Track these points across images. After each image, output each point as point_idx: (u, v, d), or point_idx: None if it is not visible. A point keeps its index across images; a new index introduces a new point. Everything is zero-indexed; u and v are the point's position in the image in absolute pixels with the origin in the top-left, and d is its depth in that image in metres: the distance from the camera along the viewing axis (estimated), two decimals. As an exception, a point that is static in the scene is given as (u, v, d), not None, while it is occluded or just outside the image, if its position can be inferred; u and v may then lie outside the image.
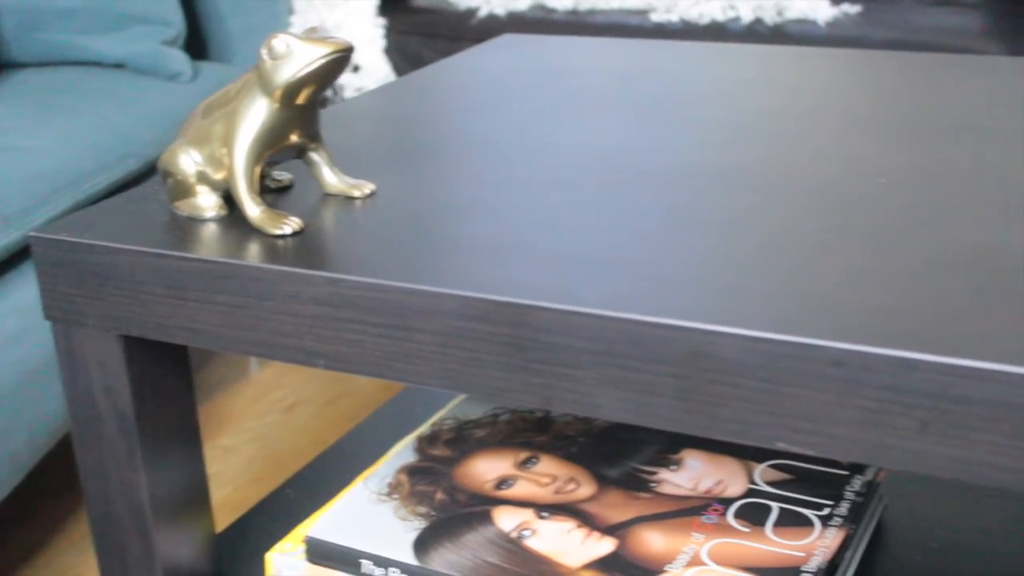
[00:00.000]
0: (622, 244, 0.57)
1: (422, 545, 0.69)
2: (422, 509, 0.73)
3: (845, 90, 0.85)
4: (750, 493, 0.74)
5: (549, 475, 0.76)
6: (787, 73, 0.90)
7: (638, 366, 0.50)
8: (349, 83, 1.84)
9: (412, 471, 0.77)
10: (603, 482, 0.75)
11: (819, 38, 1.64)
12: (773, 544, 0.69)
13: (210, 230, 0.62)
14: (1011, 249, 0.54)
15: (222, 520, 1.32)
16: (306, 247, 0.59)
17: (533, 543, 0.69)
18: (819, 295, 0.51)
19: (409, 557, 0.68)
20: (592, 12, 1.79)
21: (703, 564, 0.67)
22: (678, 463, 0.77)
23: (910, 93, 0.83)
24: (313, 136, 0.64)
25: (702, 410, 0.50)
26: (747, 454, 0.78)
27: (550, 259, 0.56)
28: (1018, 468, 0.45)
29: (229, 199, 0.64)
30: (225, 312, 0.59)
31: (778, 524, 0.71)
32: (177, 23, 1.60)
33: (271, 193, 0.67)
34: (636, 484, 0.75)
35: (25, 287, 1.12)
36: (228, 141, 0.61)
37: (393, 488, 0.75)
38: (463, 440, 0.81)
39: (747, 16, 1.68)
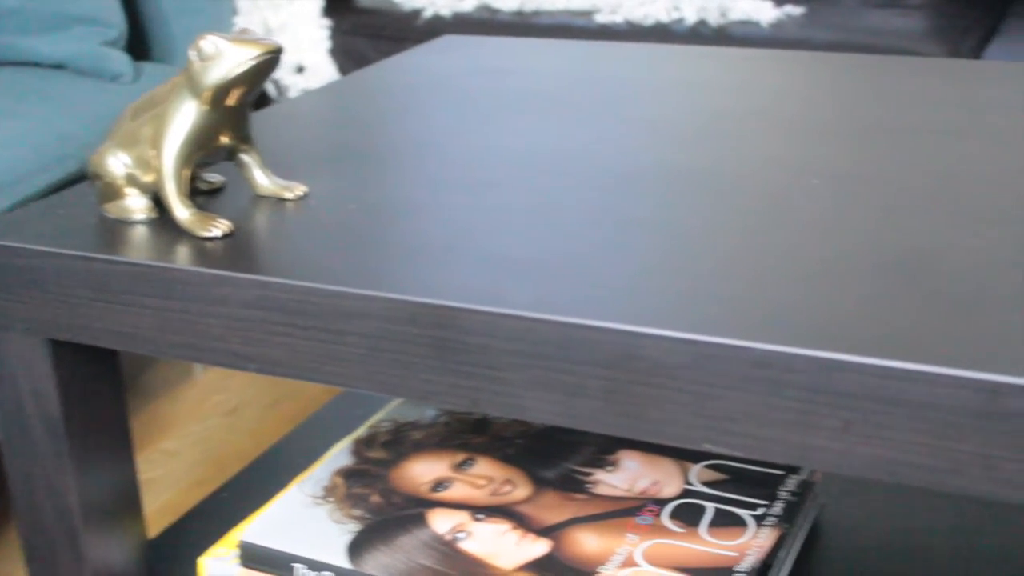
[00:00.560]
0: (554, 246, 0.57)
1: (356, 548, 0.69)
2: (357, 512, 0.73)
3: (787, 91, 0.85)
4: (685, 493, 0.74)
5: (485, 477, 0.76)
6: (729, 75, 0.91)
7: (566, 368, 0.50)
8: (294, 84, 1.83)
9: (348, 474, 0.77)
10: (539, 483, 0.75)
11: (762, 39, 1.65)
12: (707, 544, 0.69)
13: (139, 233, 0.61)
14: (939, 251, 0.55)
15: (164, 525, 1.31)
16: (236, 250, 0.58)
17: (468, 545, 0.69)
18: (745, 296, 0.51)
19: (343, 561, 0.68)
20: (537, 13, 1.79)
21: (637, 565, 0.67)
22: (614, 464, 0.77)
23: (851, 94, 0.84)
24: (244, 138, 0.64)
25: (629, 411, 0.50)
26: (683, 455, 0.78)
27: (481, 261, 0.56)
28: (940, 468, 0.45)
29: (159, 201, 0.64)
30: (153, 315, 0.58)
31: (713, 524, 0.71)
32: (119, 24, 1.59)
33: (202, 195, 0.67)
34: (572, 485, 0.75)
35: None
36: (157, 143, 0.61)
37: (329, 491, 0.75)
38: (400, 442, 0.81)
39: (691, 17, 1.69)
